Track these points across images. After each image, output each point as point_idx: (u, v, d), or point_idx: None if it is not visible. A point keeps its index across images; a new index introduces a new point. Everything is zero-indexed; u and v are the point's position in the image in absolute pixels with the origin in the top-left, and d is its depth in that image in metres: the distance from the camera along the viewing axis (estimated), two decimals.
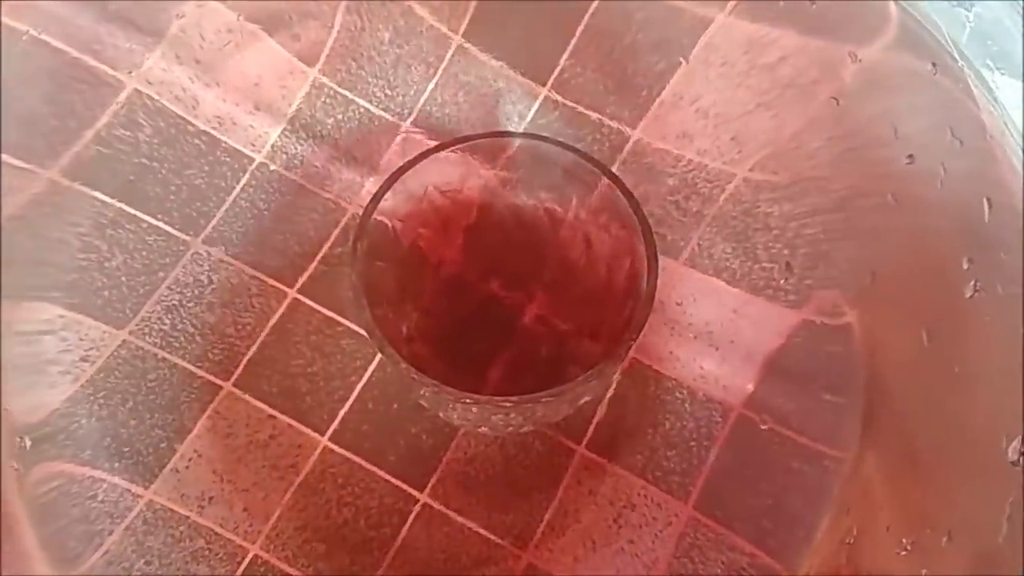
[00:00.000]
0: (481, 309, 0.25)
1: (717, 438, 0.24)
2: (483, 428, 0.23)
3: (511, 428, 0.23)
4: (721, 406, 0.24)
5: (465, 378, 0.23)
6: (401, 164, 0.21)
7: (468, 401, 0.20)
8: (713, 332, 0.25)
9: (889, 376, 0.23)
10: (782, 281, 0.25)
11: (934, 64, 0.21)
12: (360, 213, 0.26)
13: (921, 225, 0.22)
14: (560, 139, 0.27)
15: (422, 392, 0.20)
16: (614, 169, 0.27)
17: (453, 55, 0.28)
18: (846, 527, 0.22)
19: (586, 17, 0.28)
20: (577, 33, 0.28)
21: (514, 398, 0.20)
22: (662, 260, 0.26)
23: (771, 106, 0.27)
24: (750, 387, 0.25)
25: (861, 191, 0.24)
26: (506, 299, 0.25)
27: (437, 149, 0.21)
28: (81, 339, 0.25)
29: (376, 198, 0.20)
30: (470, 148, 0.22)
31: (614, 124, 0.28)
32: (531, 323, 0.25)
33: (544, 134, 0.28)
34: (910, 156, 0.22)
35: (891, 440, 0.22)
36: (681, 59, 0.28)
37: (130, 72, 0.27)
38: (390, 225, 0.22)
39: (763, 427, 0.24)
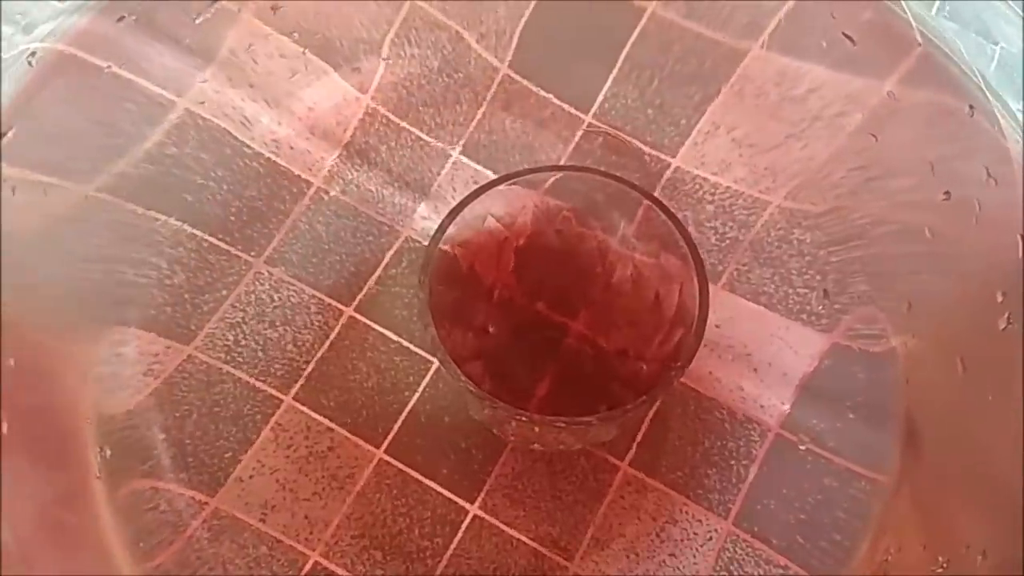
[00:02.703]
0: (529, 329, 0.26)
1: (755, 457, 0.25)
2: (535, 445, 0.24)
3: (562, 446, 0.24)
4: (759, 426, 0.26)
5: (513, 395, 0.25)
6: (463, 197, 0.22)
7: (524, 419, 0.21)
8: (752, 354, 0.26)
9: (925, 401, 0.24)
10: (819, 307, 0.27)
11: (971, 107, 0.23)
12: (413, 236, 0.28)
13: (957, 258, 0.23)
14: (603, 167, 0.28)
15: (484, 410, 0.21)
16: (656, 192, 0.29)
17: (499, 84, 0.30)
18: (883, 545, 0.23)
19: (626, 48, 0.29)
20: (618, 64, 0.29)
21: (566, 418, 0.21)
22: None
23: (801, 137, 0.28)
24: (786, 408, 0.26)
25: (897, 224, 0.25)
26: (553, 320, 0.26)
27: (494, 183, 0.23)
28: (141, 353, 0.26)
29: (442, 228, 0.22)
30: (524, 181, 0.23)
31: (655, 152, 0.29)
32: (576, 343, 0.26)
33: (590, 164, 0.29)
34: (947, 193, 0.23)
35: (927, 462, 0.23)
36: (717, 90, 0.29)
37: (181, 93, 0.27)
38: (451, 252, 0.23)
39: (801, 448, 0.25)
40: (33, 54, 0.23)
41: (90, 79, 0.25)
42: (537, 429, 0.21)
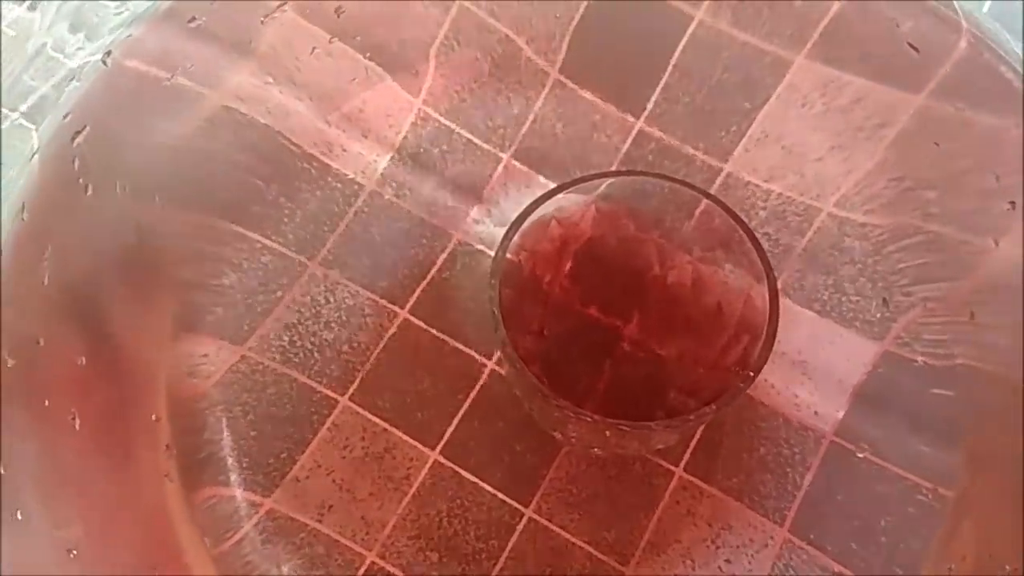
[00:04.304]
0: (584, 334, 0.26)
1: (811, 464, 0.25)
2: (595, 449, 0.24)
3: (621, 450, 0.24)
4: (814, 433, 0.25)
5: (569, 399, 0.25)
6: (526, 206, 0.22)
7: (588, 420, 0.21)
8: (806, 361, 0.26)
9: (986, 409, 0.24)
10: (876, 315, 0.27)
11: None
12: (465, 239, 0.28)
13: (1020, 267, 0.23)
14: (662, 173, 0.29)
15: (554, 413, 0.21)
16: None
17: (550, 89, 0.30)
18: (948, 554, 0.23)
19: (676, 54, 0.30)
20: (668, 70, 0.30)
21: (631, 423, 0.21)
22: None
23: (845, 147, 0.28)
24: (840, 415, 0.26)
25: (961, 234, 0.25)
26: (608, 325, 0.26)
27: (555, 191, 0.23)
28: (189, 355, 0.26)
29: (508, 237, 0.22)
30: (582, 188, 0.23)
31: (706, 158, 0.29)
32: (631, 348, 0.26)
33: (642, 169, 0.29)
34: (1011, 203, 0.23)
35: (989, 470, 0.23)
36: (765, 99, 0.29)
37: (230, 94, 0.27)
38: (513, 258, 0.23)
39: (858, 455, 0.25)
40: (108, 53, 0.23)
41: (149, 85, 0.26)
42: (608, 433, 0.21)
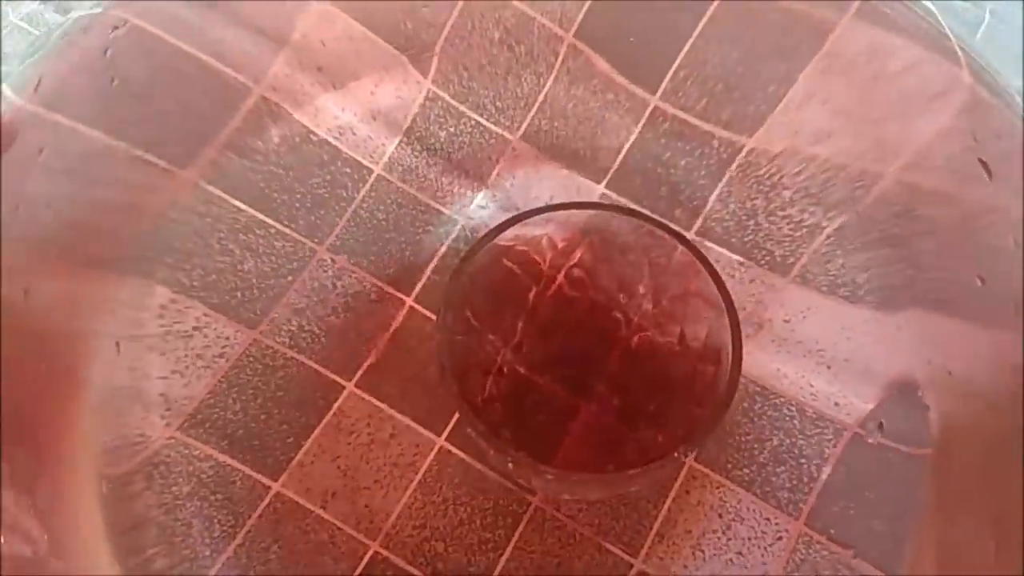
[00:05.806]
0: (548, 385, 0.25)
1: (829, 456, 0.24)
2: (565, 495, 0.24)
3: (566, 496, 0.24)
4: (833, 424, 0.24)
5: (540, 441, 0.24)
6: (500, 222, 0.22)
7: (508, 462, 0.20)
8: (824, 350, 0.25)
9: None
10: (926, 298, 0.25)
11: None
12: (471, 224, 0.28)
13: None
14: (668, 154, 0.28)
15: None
16: (723, 182, 0.28)
17: (562, 61, 0.29)
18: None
19: (703, 21, 0.28)
20: (693, 35, 0.28)
21: (554, 470, 0.21)
22: (770, 278, 0.26)
23: (901, 116, 0.26)
24: (868, 406, 0.24)
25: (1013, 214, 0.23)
26: (574, 378, 0.25)
27: (524, 216, 0.22)
28: (219, 336, 0.26)
29: (474, 250, 0.21)
30: (561, 216, 0.23)
31: (726, 134, 0.28)
32: (597, 408, 0.25)
33: (655, 150, 0.28)
34: None
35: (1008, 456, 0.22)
36: (802, 65, 0.27)
37: (256, 79, 0.27)
38: (479, 279, 0.22)
39: (885, 447, 0.24)
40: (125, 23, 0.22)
41: (171, 60, 0.26)
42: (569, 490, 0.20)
